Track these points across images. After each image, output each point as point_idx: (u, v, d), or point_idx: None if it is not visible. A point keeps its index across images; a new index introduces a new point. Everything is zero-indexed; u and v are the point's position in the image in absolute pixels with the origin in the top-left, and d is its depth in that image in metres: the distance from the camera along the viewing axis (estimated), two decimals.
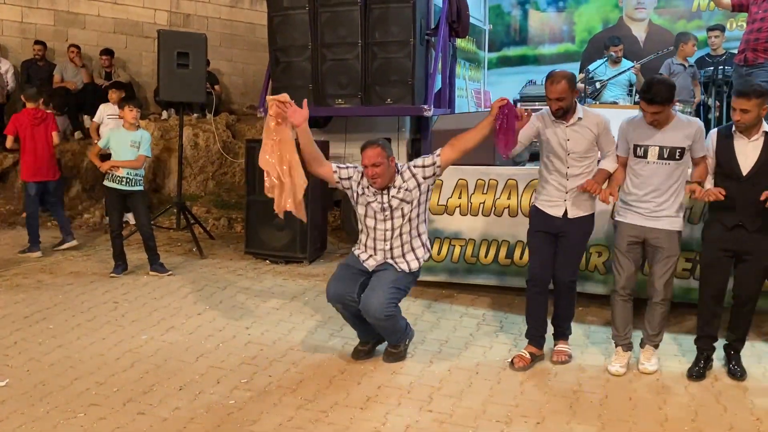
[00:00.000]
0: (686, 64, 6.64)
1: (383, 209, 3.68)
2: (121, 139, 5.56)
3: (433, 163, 3.70)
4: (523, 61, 8.49)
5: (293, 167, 3.64)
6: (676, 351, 4.04)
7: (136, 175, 5.56)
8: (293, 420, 3.12)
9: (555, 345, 3.95)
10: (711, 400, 3.42)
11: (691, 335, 4.19)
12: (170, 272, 5.57)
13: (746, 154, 3.49)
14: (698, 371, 3.66)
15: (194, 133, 8.54)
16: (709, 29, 7.02)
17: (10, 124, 6.24)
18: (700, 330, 3.73)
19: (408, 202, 3.68)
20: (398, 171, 3.71)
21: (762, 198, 3.35)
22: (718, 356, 3.78)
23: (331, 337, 4.18)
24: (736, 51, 6.17)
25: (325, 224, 6.52)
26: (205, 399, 3.32)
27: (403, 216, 3.69)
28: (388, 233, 3.71)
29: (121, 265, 5.56)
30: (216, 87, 8.96)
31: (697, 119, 3.74)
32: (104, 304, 4.77)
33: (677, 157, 3.56)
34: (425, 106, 6.00)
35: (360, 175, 3.73)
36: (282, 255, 6.03)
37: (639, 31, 8.09)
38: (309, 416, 3.16)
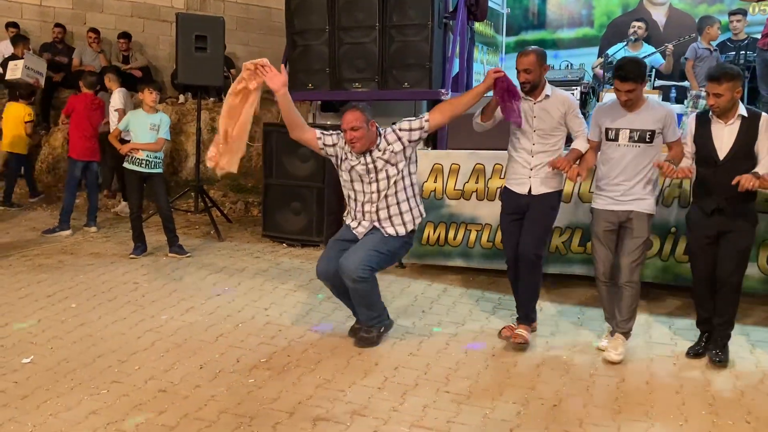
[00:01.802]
0: (711, 48, 6.56)
1: (368, 171, 3.69)
2: (141, 122, 5.61)
3: (421, 127, 3.71)
4: (540, 45, 8.29)
5: (242, 132, 3.69)
6: (692, 336, 4.03)
7: (156, 157, 5.61)
8: (312, 398, 3.17)
9: (516, 327, 3.88)
10: (728, 384, 3.42)
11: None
12: (189, 254, 5.63)
13: (722, 138, 3.52)
14: (697, 350, 3.73)
15: (211, 117, 8.57)
16: (731, 13, 6.91)
17: (68, 104, 6.58)
18: (698, 314, 3.80)
19: (393, 164, 3.69)
20: (381, 134, 3.71)
21: (733, 183, 3.35)
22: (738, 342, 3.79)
23: (348, 319, 4.20)
24: (758, 35, 6.09)
25: (340, 208, 6.53)
26: (225, 378, 3.38)
27: (388, 178, 3.69)
28: (374, 196, 3.71)
29: (140, 246, 5.63)
30: (232, 71, 8.97)
31: (667, 104, 3.74)
32: (125, 284, 4.84)
33: (647, 139, 3.60)
34: (443, 90, 5.97)
35: (344, 140, 3.74)
36: (298, 238, 6.07)
37: (659, 15, 7.96)
38: (328, 395, 3.20)
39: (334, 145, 3.79)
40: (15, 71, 7.50)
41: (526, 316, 3.93)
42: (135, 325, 4.05)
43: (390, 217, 3.73)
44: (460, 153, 5.07)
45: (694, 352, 3.73)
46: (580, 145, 3.80)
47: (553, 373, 3.53)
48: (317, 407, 3.09)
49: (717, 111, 3.49)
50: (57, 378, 3.32)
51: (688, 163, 3.63)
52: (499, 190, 4.91)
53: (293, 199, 6.04)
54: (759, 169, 3.41)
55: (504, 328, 3.99)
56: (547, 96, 3.76)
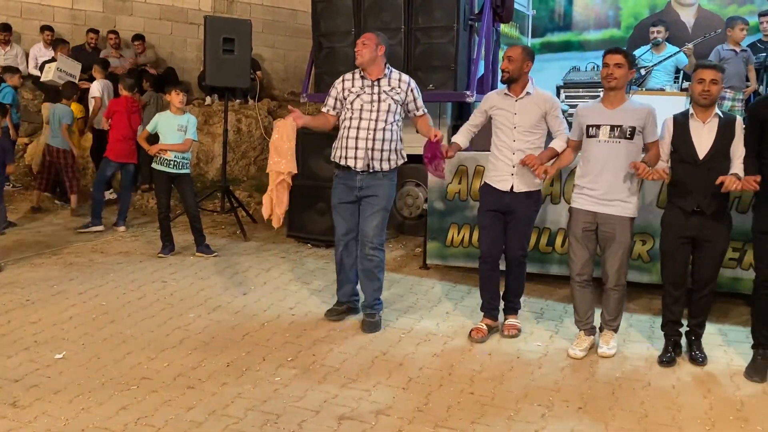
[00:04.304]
0: (737, 50, 6.46)
1: (372, 101, 4.03)
2: (169, 123, 5.70)
3: (415, 109, 4.14)
4: (566, 47, 8.34)
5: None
6: (721, 341, 4.00)
7: (183, 158, 5.69)
8: (337, 398, 3.20)
9: (505, 319, 4.13)
10: (757, 389, 3.38)
11: (735, 326, 4.17)
12: (216, 253, 5.71)
13: (702, 137, 3.55)
14: (669, 357, 3.70)
15: (237, 119, 8.67)
16: (761, 14, 6.81)
17: (109, 107, 6.77)
18: (665, 316, 3.79)
19: (394, 100, 4.04)
20: (390, 69, 4.12)
21: (717, 182, 3.40)
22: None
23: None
24: None
25: None
26: (251, 375, 3.42)
27: (389, 111, 4.02)
28: (372, 123, 4.00)
29: (168, 245, 5.71)
30: (258, 73, 9.06)
31: (649, 104, 3.77)
32: (153, 283, 4.92)
33: (628, 135, 3.63)
34: (468, 92, 5.99)
35: (342, 85, 4.14)
36: (323, 239, 6.10)
37: (687, 17, 7.87)
38: (353, 394, 3.23)
39: (336, 95, 4.14)
40: (48, 73, 7.72)
41: (514, 308, 4.16)
42: (164, 323, 4.12)
43: (382, 150, 4.01)
44: (484, 154, 5.04)
45: (667, 360, 3.67)
46: (557, 144, 3.92)
47: (578, 375, 3.52)
48: (342, 406, 3.12)
49: (708, 100, 3.53)
50: (88, 374, 3.40)
51: (663, 166, 3.66)
52: None
53: (318, 200, 6.08)
54: (733, 170, 3.47)
55: (473, 330, 4.04)
56: (528, 93, 3.88)
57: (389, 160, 4.06)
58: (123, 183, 6.70)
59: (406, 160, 4.22)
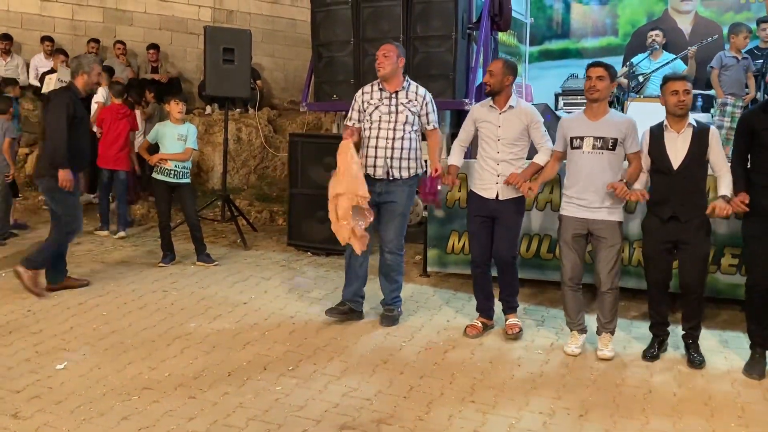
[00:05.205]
0: (739, 57, 6.49)
1: (389, 112, 4.18)
2: (169, 132, 5.72)
3: (427, 123, 4.27)
4: (564, 54, 8.40)
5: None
6: (721, 348, 4.00)
7: (184, 167, 5.71)
8: (338, 407, 3.20)
9: (506, 320, 4.22)
10: (758, 396, 3.38)
11: (735, 332, 4.18)
12: (216, 262, 5.71)
13: (676, 148, 3.66)
14: (652, 353, 3.83)
15: (237, 128, 8.70)
16: (760, 21, 6.85)
17: (99, 115, 6.86)
18: (652, 318, 3.91)
19: (411, 112, 4.20)
20: (408, 81, 4.26)
21: (708, 212, 3.57)
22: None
23: (374, 328, 4.25)
24: None
25: None
26: (252, 385, 3.42)
27: (406, 122, 4.18)
28: (390, 132, 4.16)
29: (169, 255, 5.72)
30: (258, 82, 9.10)
31: (630, 117, 3.91)
32: (153, 292, 4.93)
33: (611, 147, 3.73)
34: (466, 101, 6.02)
35: (362, 97, 4.30)
36: (323, 247, 6.11)
37: (684, 24, 7.93)
38: (354, 403, 3.23)
39: (358, 108, 4.30)
40: (49, 84, 7.77)
41: (512, 306, 4.24)
42: (164, 333, 4.12)
43: (401, 158, 4.18)
44: None
45: (650, 356, 3.81)
46: (540, 158, 4.05)
47: (579, 383, 3.53)
48: (344, 415, 3.12)
49: (684, 110, 3.65)
50: (89, 384, 3.40)
51: (644, 178, 3.77)
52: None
53: (318, 208, 6.07)
54: (722, 188, 3.59)
55: (468, 326, 4.20)
56: (510, 107, 4.01)
57: (408, 168, 4.22)
58: (117, 191, 6.73)
59: (424, 168, 4.35)
